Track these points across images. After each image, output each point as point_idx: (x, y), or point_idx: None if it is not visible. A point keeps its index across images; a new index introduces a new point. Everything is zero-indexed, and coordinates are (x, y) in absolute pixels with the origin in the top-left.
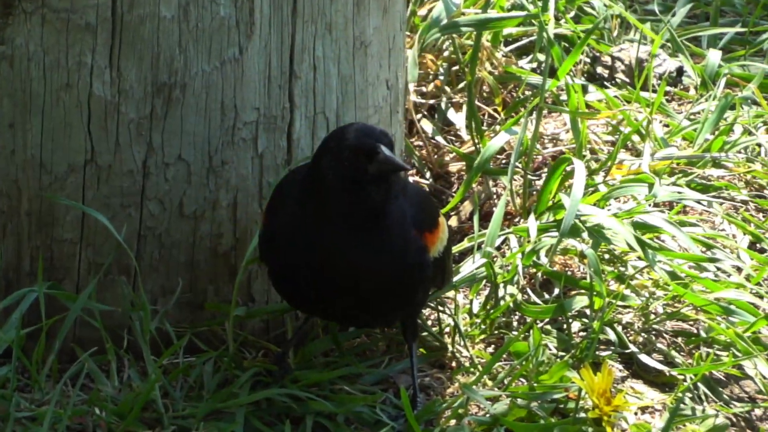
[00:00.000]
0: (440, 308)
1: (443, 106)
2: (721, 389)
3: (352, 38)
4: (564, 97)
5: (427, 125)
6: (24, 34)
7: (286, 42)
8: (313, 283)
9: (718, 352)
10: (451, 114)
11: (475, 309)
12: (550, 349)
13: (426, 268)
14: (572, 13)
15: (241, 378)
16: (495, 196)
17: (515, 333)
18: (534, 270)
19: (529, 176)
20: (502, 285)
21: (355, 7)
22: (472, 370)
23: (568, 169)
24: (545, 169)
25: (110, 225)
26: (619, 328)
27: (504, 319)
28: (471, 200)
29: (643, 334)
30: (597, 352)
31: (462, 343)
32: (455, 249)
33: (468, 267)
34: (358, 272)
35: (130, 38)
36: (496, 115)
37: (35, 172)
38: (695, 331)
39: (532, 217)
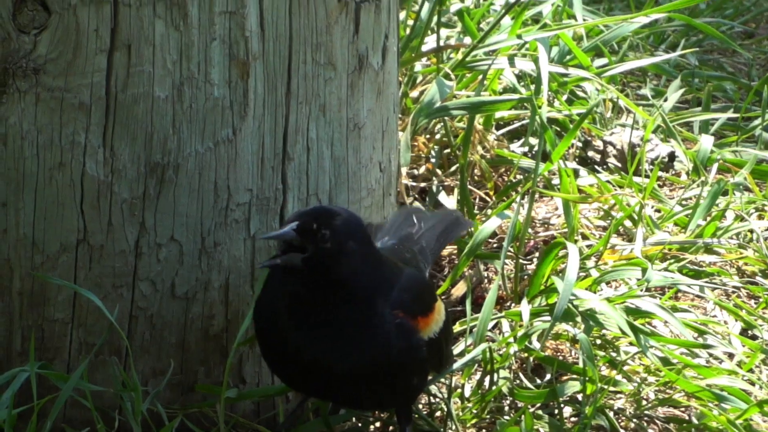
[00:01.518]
0: (431, 391)
1: (435, 189)
2: None
3: (345, 120)
4: (556, 181)
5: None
6: (18, 113)
7: (280, 123)
8: (296, 369)
9: None
10: (443, 197)
11: (467, 393)
12: None
13: (418, 350)
14: (564, 96)
15: None
16: (486, 280)
17: (507, 418)
18: (526, 354)
19: (521, 260)
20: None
21: (349, 89)
22: None
23: (561, 253)
24: (537, 254)
25: (102, 305)
26: (611, 414)
27: (495, 403)
28: (463, 284)
29: (635, 420)
30: None
31: (454, 427)
32: None
33: (461, 351)
34: (328, 364)
35: (123, 118)
36: (487, 198)
37: (27, 251)
38: (687, 418)
39: (524, 301)
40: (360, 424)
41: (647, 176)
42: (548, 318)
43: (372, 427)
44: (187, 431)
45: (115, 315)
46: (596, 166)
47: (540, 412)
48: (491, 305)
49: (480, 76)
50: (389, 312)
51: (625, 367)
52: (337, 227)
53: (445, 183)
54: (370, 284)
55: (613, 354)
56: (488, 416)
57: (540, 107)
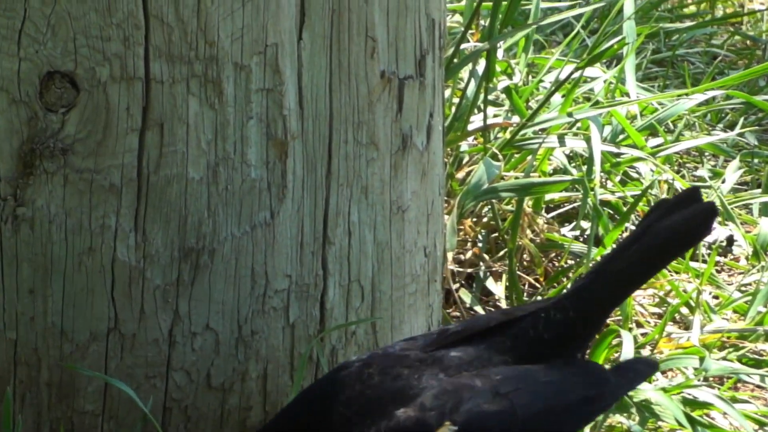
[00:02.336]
0: None
1: (482, 274)
2: None
3: (389, 203)
4: None
5: (465, 295)
6: (45, 195)
7: (320, 206)
8: None
9: None
10: (490, 283)
11: None
12: None
13: None
14: (618, 178)
15: None
16: None
17: None
18: None
19: None
20: None
21: (392, 170)
22: None
23: (614, 342)
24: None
25: (135, 396)
26: None
27: None
28: None
29: None
30: None
31: None
32: None
33: None
34: None
35: (156, 200)
36: (537, 284)
37: (56, 341)
38: None
39: None
40: None
41: (704, 261)
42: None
43: None
44: None
45: (148, 407)
46: None
47: None
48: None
49: (529, 157)
50: None
51: None
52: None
53: (493, 268)
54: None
55: None
56: None
57: (592, 189)
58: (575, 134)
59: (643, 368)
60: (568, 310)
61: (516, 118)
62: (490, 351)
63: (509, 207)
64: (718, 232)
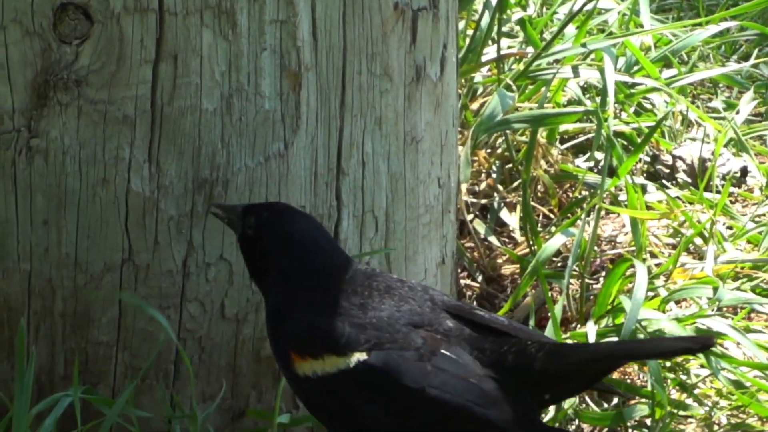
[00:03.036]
0: None
1: (496, 205)
2: None
3: (402, 134)
4: (623, 197)
5: (479, 226)
6: (59, 127)
7: (334, 137)
8: None
9: None
10: (504, 214)
11: None
12: None
13: (293, 378)
14: (632, 109)
15: None
16: (552, 300)
17: None
18: None
19: (586, 280)
20: None
21: (406, 102)
22: None
23: (628, 272)
24: (603, 273)
25: (161, 317)
26: None
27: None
28: (526, 304)
29: None
30: None
31: None
32: None
33: None
34: None
35: (170, 132)
36: (551, 215)
37: (70, 271)
38: None
39: (590, 322)
40: None
41: (718, 192)
42: (615, 339)
43: None
44: None
45: (162, 338)
46: (665, 181)
47: None
48: (556, 326)
49: (543, 88)
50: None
51: (696, 391)
52: (264, 219)
53: (507, 199)
54: (279, 293)
55: (683, 377)
56: None
57: (606, 120)
58: (589, 65)
59: None
60: (535, 356)
61: (530, 50)
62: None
63: (523, 138)
64: (732, 164)
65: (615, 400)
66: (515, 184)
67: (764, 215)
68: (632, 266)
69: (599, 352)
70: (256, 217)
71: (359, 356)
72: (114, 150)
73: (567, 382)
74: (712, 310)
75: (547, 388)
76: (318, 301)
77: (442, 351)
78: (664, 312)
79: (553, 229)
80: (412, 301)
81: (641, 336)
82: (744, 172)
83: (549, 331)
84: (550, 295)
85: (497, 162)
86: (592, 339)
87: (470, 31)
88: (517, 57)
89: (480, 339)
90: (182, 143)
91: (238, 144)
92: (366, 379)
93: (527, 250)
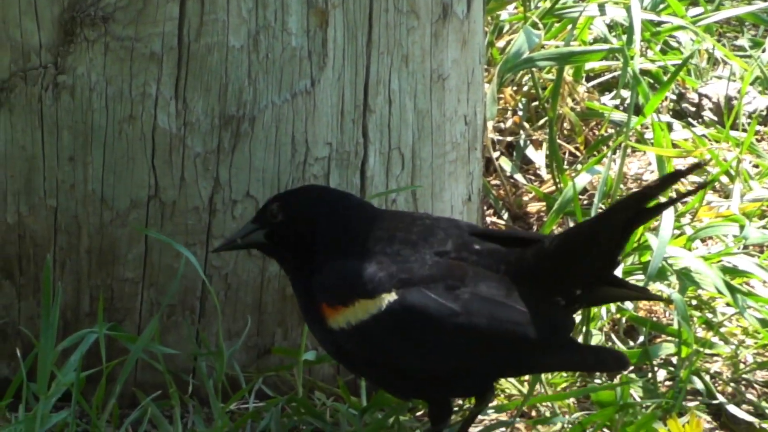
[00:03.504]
0: None
1: (522, 143)
2: None
3: (429, 71)
4: (648, 135)
5: (505, 163)
6: (86, 63)
7: (361, 74)
8: None
9: None
10: (531, 152)
11: None
12: (634, 399)
13: (328, 335)
14: (658, 47)
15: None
16: None
17: (599, 381)
18: (618, 315)
19: None
20: (583, 331)
21: (432, 39)
22: (553, 419)
23: None
24: None
25: (189, 254)
26: (708, 378)
27: None
28: None
29: (732, 384)
30: (683, 403)
31: (543, 390)
32: None
33: None
34: None
35: (197, 68)
36: (577, 153)
37: (96, 208)
38: None
39: None
40: None
41: (744, 130)
42: (641, 277)
43: None
44: (262, 396)
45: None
46: (691, 120)
47: (633, 375)
48: None
49: (569, 26)
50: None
51: (722, 329)
52: (285, 199)
53: (533, 137)
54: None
55: (709, 315)
56: (579, 379)
57: (632, 58)
58: (615, 3)
59: (606, 359)
60: (550, 243)
61: None
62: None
63: (549, 76)
64: (758, 102)
65: (641, 338)
66: (541, 121)
67: None
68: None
69: (603, 213)
70: (279, 204)
71: (389, 297)
72: (141, 87)
73: (584, 260)
74: (738, 248)
75: (570, 276)
76: (347, 251)
77: (471, 277)
78: (690, 250)
79: (579, 167)
80: (439, 231)
81: (670, 275)
82: None
83: None
84: None
85: (523, 99)
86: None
87: None
88: None
89: (508, 251)
90: (209, 80)
91: (264, 81)
92: (398, 319)
93: (553, 187)
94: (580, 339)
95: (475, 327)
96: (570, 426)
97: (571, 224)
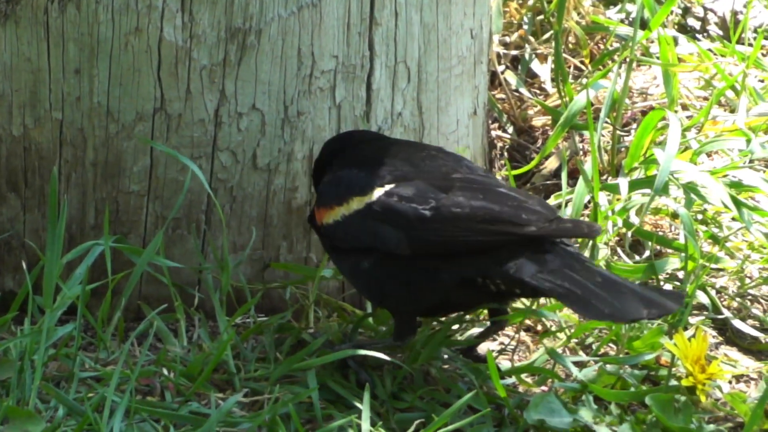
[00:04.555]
0: None
1: (527, 57)
2: None
3: None
4: (654, 49)
5: (510, 77)
6: None
7: None
8: None
9: None
10: (536, 65)
11: None
12: None
13: (324, 232)
14: None
15: (316, 341)
16: (582, 153)
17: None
18: (624, 230)
19: (618, 132)
20: (589, 245)
21: None
22: (559, 334)
23: (660, 125)
24: (634, 125)
25: (194, 166)
26: (713, 293)
27: None
28: (557, 156)
29: (738, 298)
30: (689, 318)
31: (549, 302)
32: None
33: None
34: None
35: None
36: (583, 67)
37: (101, 121)
38: None
39: (622, 173)
40: None
41: (750, 45)
42: (647, 191)
43: None
44: (268, 309)
45: (186, 185)
46: (696, 34)
47: None
48: (588, 176)
49: None
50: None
51: (728, 244)
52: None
53: (538, 51)
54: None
55: (715, 230)
56: None
57: None
58: None
59: (581, 226)
60: None
61: None
62: None
63: None
64: (764, 16)
65: (647, 253)
66: (546, 35)
67: None
68: (664, 118)
69: None
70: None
71: (381, 190)
72: None
73: None
74: (744, 163)
75: None
76: (350, 166)
77: (458, 177)
78: (695, 164)
79: (584, 81)
80: (440, 159)
81: (674, 188)
82: None
83: (580, 183)
84: (581, 147)
85: (528, 13)
86: (624, 190)
87: None
88: None
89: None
90: None
91: None
92: (388, 205)
93: (558, 101)
94: (587, 253)
95: (468, 207)
96: (575, 341)
97: (577, 139)
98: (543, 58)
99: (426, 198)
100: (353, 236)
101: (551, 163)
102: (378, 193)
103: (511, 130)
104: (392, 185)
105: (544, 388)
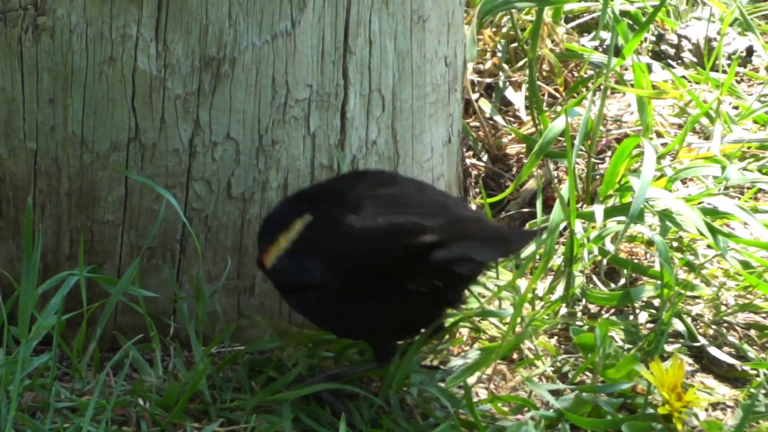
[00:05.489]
0: (500, 297)
1: (501, 84)
2: None
3: (409, 12)
4: (628, 76)
5: (484, 105)
6: (66, 5)
7: (341, 15)
8: None
9: None
10: (510, 93)
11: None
12: (616, 341)
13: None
14: None
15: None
16: (557, 180)
17: (580, 324)
18: (599, 257)
19: (592, 159)
20: (565, 273)
21: None
22: (536, 362)
23: (634, 152)
24: (609, 153)
25: (170, 196)
26: (689, 320)
27: (568, 309)
28: (532, 183)
29: (713, 326)
30: (665, 345)
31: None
32: None
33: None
34: None
35: (177, 10)
36: (557, 94)
37: (76, 150)
38: None
39: (597, 201)
40: None
41: (724, 71)
42: (623, 218)
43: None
44: (243, 338)
45: (161, 215)
46: (670, 61)
47: (614, 318)
48: (563, 204)
49: None
50: None
51: (704, 271)
52: None
53: (513, 78)
54: None
55: (691, 257)
56: (561, 322)
57: None
58: None
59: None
60: None
61: None
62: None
63: (529, 17)
64: (738, 43)
65: (622, 281)
66: (521, 63)
67: None
68: (638, 145)
69: None
70: None
71: (302, 221)
72: (121, 28)
73: None
74: (719, 190)
75: None
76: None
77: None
78: (670, 191)
79: (558, 108)
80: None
81: (650, 216)
82: (750, 51)
83: (556, 210)
84: (555, 174)
85: (503, 41)
86: (599, 218)
87: None
88: None
89: None
90: (189, 21)
91: (245, 22)
92: (309, 234)
93: (533, 129)
94: (562, 281)
95: (385, 224)
96: (552, 369)
97: (551, 166)
98: (517, 86)
99: (337, 223)
100: (290, 275)
101: (526, 191)
102: (298, 226)
103: (485, 158)
104: (312, 210)
105: (520, 416)
